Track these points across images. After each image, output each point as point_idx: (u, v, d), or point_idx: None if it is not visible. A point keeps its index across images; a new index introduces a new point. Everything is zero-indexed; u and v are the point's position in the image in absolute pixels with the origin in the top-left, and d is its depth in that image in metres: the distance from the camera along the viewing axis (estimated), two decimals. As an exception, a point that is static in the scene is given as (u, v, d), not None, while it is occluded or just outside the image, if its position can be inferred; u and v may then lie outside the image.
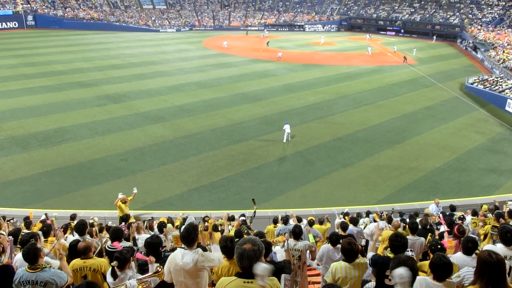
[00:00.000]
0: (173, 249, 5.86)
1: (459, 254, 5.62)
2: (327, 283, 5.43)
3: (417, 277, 3.80)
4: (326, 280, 5.45)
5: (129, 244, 7.27)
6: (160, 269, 4.40)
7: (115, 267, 4.93)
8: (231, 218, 12.34)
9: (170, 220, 11.46)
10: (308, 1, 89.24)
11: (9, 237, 6.54)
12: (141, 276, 4.49)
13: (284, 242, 7.27)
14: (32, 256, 4.59)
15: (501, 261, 3.32)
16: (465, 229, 7.95)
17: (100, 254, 6.29)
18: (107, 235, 7.81)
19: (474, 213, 11.04)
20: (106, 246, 6.53)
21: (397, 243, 5.17)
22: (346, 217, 11.21)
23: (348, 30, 79.64)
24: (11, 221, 10.47)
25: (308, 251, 7.26)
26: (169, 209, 14.72)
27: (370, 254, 6.11)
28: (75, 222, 9.35)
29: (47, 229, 7.50)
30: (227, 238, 5.17)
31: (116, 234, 6.57)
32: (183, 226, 5.58)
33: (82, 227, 7.17)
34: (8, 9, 65.84)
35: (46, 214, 11.69)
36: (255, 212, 11.12)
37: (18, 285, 4.53)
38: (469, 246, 5.53)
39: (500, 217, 8.68)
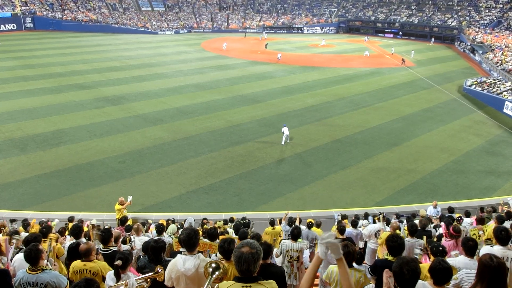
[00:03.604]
0: None
1: (462, 257, 5.62)
2: (323, 281, 5.41)
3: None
4: (323, 278, 5.43)
5: (127, 247, 7.24)
6: (160, 270, 4.37)
7: (119, 268, 4.90)
8: (230, 221, 12.35)
9: (170, 222, 11.42)
10: (307, 3, 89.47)
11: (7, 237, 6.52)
12: (141, 276, 4.47)
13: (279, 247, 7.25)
14: (34, 257, 4.58)
15: (501, 265, 3.34)
16: (461, 229, 7.94)
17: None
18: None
19: (467, 215, 11.06)
20: (99, 249, 6.50)
21: (393, 243, 5.14)
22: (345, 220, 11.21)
23: (347, 32, 79.84)
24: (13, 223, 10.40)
25: (306, 251, 7.26)
26: (168, 212, 14.70)
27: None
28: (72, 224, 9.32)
29: (46, 231, 7.45)
30: (226, 240, 5.15)
31: (101, 236, 6.54)
32: (182, 230, 5.54)
33: (77, 231, 7.15)
34: (6, 11, 65.78)
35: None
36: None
37: (19, 287, 4.50)
38: (470, 244, 5.52)
39: (502, 219, 8.63)
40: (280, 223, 11.30)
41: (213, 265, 3.18)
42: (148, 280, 4.35)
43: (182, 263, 4.37)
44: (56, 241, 7.05)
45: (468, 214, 11.02)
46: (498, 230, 5.54)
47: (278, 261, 7.53)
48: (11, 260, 6.17)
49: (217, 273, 3.14)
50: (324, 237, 3.30)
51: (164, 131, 22.98)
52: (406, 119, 26.88)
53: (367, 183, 17.75)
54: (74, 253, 6.12)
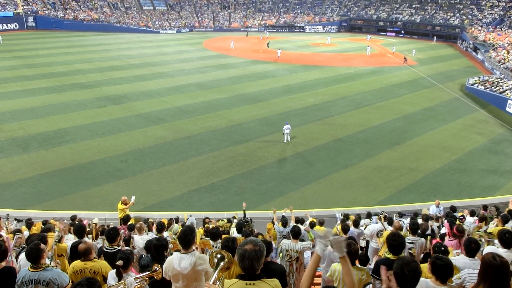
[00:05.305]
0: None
1: (462, 256, 5.58)
2: (326, 282, 5.40)
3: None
4: (327, 276, 5.42)
5: (129, 248, 7.23)
6: (157, 268, 4.39)
7: (120, 268, 4.91)
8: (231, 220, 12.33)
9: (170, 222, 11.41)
10: (308, 2, 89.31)
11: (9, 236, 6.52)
12: (139, 275, 4.49)
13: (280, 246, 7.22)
14: (35, 256, 4.60)
15: (505, 264, 3.32)
16: (465, 228, 7.90)
17: (98, 256, 6.26)
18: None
19: (473, 214, 11.01)
20: (104, 248, 6.50)
21: (394, 241, 5.11)
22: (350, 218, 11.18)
23: (348, 31, 79.69)
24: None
25: (306, 252, 7.22)
26: (169, 210, 14.71)
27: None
28: (75, 223, 9.31)
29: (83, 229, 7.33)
30: (229, 238, 5.16)
31: (108, 235, 6.53)
32: (180, 229, 5.55)
33: (81, 230, 7.15)
34: (8, 10, 65.93)
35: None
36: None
37: (21, 285, 4.52)
38: (472, 247, 5.49)
39: (506, 219, 8.55)
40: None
41: (218, 255, 3.20)
42: (146, 278, 4.36)
43: (178, 263, 4.40)
44: (60, 241, 7.03)
45: (473, 213, 10.94)
46: (502, 232, 5.49)
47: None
48: (16, 258, 6.18)
49: (222, 263, 3.15)
50: (321, 235, 3.31)
51: (165, 130, 22.99)
52: (408, 118, 26.80)
53: (369, 182, 17.72)
54: (77, 252, 6.13)
